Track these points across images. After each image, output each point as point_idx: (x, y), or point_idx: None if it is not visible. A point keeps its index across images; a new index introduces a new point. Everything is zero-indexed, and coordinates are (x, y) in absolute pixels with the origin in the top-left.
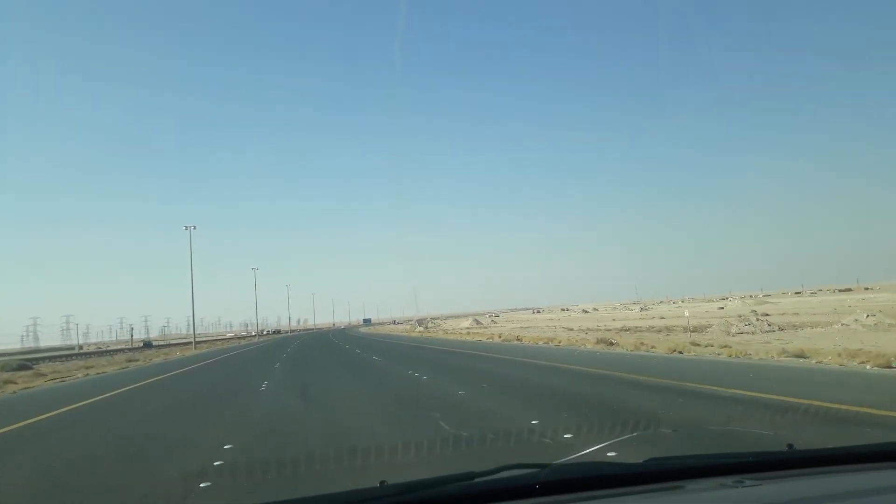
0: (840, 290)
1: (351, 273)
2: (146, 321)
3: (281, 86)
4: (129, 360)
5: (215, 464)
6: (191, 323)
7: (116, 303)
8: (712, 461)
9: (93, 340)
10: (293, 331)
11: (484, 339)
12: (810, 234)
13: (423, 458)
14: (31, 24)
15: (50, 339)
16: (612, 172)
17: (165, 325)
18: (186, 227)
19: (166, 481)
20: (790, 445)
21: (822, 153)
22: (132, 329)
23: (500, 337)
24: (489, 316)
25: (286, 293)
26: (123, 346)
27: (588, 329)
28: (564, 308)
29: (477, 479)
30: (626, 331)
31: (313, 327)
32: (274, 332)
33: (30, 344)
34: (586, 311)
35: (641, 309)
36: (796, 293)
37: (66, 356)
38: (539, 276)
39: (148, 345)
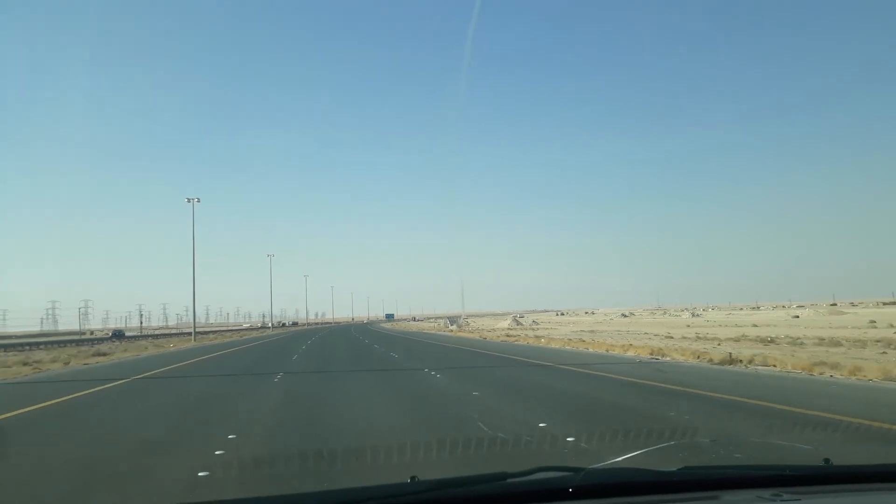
0: (885, 304)
1: (372, 268)
2: (164, 308)
3: (314, 80)
4: (97, 355)
5: None
6: (209, 311)
7: (138, 289)
8: (748, 472)
9: (110, 325)
10: (310, 324)
11: (624, 351)
12: (832, 248)
13: None
14: (54, 6)
15: (69, 322)
16: (631, 178)
17: (184, 312)
18: (189, 200)
19: None
20: (827, 460)
21: (846, 164)
22: (143, 316)
23: (692, 354)
24: (521, 316)
25: (304, 285)
26: (99, 336)
27: (717, 340)
28: (589, 311)
29: (509, 480)
30: (770, 342)
31: (331, 321)
32: (292, 325)
33: (49, 327)
34: (625, 316)
35: (693, 315)
36: (831, 304)
37: (36, 344)
38: (553, 279)
39: (118, 334)
